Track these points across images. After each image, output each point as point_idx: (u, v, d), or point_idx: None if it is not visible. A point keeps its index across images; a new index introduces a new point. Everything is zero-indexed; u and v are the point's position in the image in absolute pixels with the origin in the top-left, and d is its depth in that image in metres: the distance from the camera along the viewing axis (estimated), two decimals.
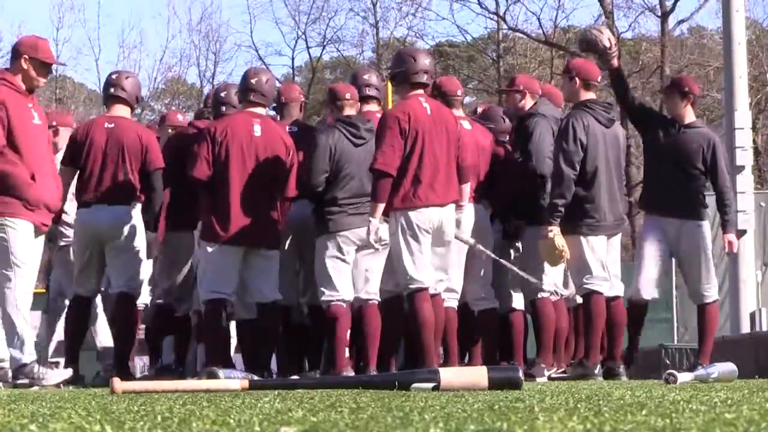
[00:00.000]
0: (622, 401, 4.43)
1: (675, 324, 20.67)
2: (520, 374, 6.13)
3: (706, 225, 9.40)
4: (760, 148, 36.63)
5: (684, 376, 7.23)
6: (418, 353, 8.50)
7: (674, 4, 37.00)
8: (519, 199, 9.50)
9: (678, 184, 9.26)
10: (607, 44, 9.25)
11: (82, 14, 55.24)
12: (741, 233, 17.08)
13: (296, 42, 45.00)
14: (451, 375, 5.97)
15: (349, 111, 9.17)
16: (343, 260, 8.95)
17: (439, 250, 8.60)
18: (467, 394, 5.25)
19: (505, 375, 6.09)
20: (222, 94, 9.84)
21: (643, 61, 39.16)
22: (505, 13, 39.95)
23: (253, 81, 9.04)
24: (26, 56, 8.34)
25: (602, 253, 9.10)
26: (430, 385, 5.77)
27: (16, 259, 8.17)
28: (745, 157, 17.18)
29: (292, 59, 45.62)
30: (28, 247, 8.24)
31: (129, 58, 45.61)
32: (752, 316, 17.41)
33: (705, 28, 42.54)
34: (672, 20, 37.66)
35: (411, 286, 8.45)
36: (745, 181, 17.16)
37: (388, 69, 9.25)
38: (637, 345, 9.61)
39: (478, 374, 6.00)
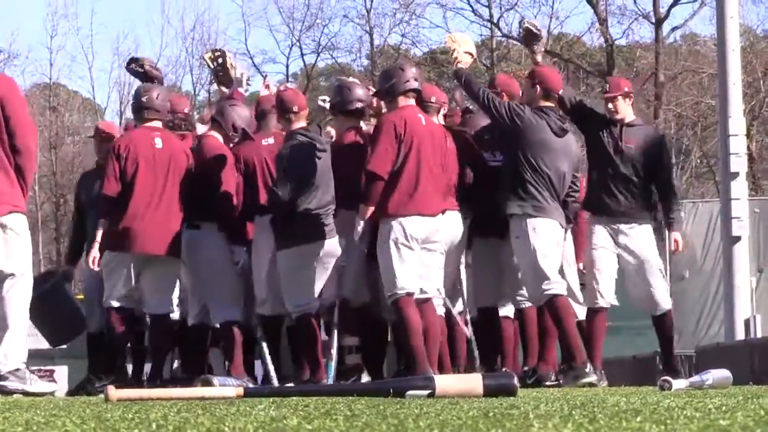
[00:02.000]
0: (617, 408, 4.43)
1: None
2: (515, 381, 6.13)
3: (651, 228, 9.33)
4: (754, 155, 36.63)
5: (679, 383, 7.23)
6: (409, 359, 8.50)
7: (668, 11, 37.09)
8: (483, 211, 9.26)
9: (623, 184, 9.19)
10: (544, 37, 9.77)
11: (76, 22, 55.10)
12: (735, 240, 17.12)
13: (291, 49, 44.97)
14: (446, 382, 5.97)
15: (300, 123, 9.11)
16: (310, 270, 8.91)
17: (424, 259, 8.60)
18: (462, 401, 5.24)
19: (500, 382, 6.09)
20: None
21: (637, 68, 39.19)
22: (498, 21, 40.03)
23: (144, 99, 9.41)
24: None
25: (556, 256, 8.97)
26: (426, 392, 5.76)
27: (28, 260, 7.94)
28: (739, 163, 17.17)
29: (287, 66, 45.58)
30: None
31: (123, 66, 45.56)
32: (747, 322, 17.40)
33: (699, 35, 42.65)
34: (666, 27, 37.75)
35: (398, 293, 8.44)
36: (740, 187, 17.15)
37: (377, 88, 9.17)
38: (600, 355, 9.34)
39: (473, 381, 6.00)
